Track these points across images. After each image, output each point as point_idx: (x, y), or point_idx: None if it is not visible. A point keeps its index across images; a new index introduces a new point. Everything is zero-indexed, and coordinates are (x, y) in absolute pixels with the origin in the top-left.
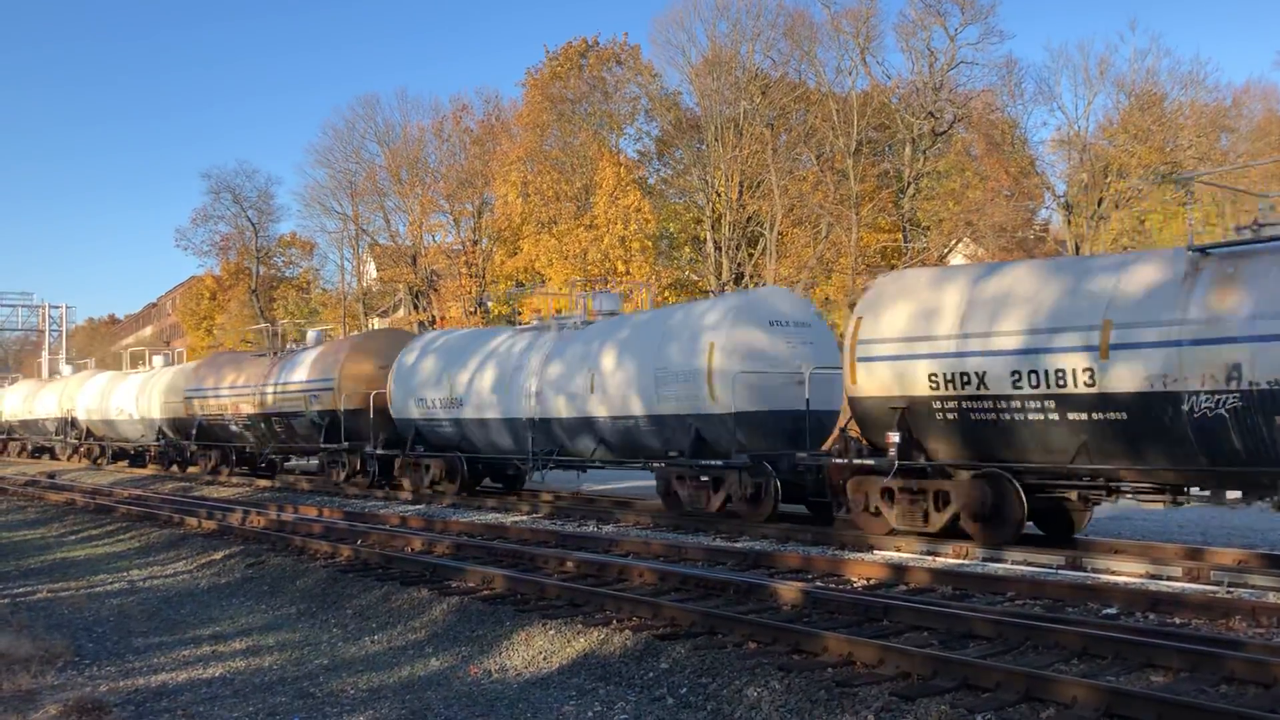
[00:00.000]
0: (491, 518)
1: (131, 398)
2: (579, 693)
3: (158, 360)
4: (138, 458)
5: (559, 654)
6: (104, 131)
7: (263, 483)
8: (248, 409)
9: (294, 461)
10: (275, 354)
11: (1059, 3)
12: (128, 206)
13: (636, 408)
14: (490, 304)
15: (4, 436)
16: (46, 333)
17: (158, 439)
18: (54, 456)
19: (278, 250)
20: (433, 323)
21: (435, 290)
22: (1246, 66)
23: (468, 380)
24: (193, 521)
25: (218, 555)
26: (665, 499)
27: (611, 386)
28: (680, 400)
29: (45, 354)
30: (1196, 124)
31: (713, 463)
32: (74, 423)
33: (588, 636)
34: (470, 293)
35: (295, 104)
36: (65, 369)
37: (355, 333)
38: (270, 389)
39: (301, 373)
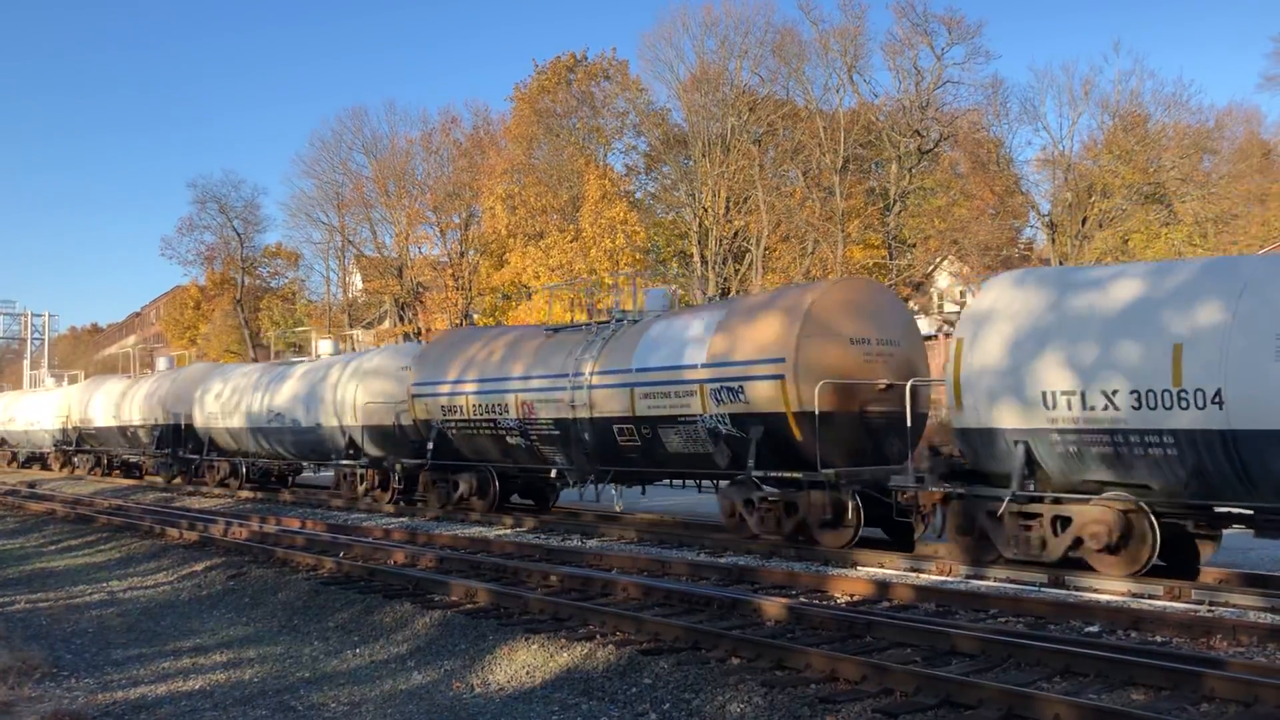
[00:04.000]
0: (475, 531)
1: (298, 398)
2: (561, 708)
3: (324, 346)
4: (281, 478)
5: (542, 669)
6: (89, 140)
7: (550, 515)
8: (550, 412)
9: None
10: (594, 326)
11: (1044, 24)
12: (112, 215)
13: None
14: (476, 317)
15: (69, 447)
16: (29, 341)
17: (349, 453)
18: (133, 474)
19: (263, 260)
20: (419, 334)
21: (421, 302)
22: (1229, 89)
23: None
24: (174, 532)
25: (199, 567)
26: None
27: None
28: None
29: (27, 362)
30: (1179, 145)
31: None
32: (184, 432)
33: (571, 651)
34: (456, 305)
35: (283, 114)
36: (161, 363)
37: (793, 284)
38: (604, 379)
39: (687, 353)
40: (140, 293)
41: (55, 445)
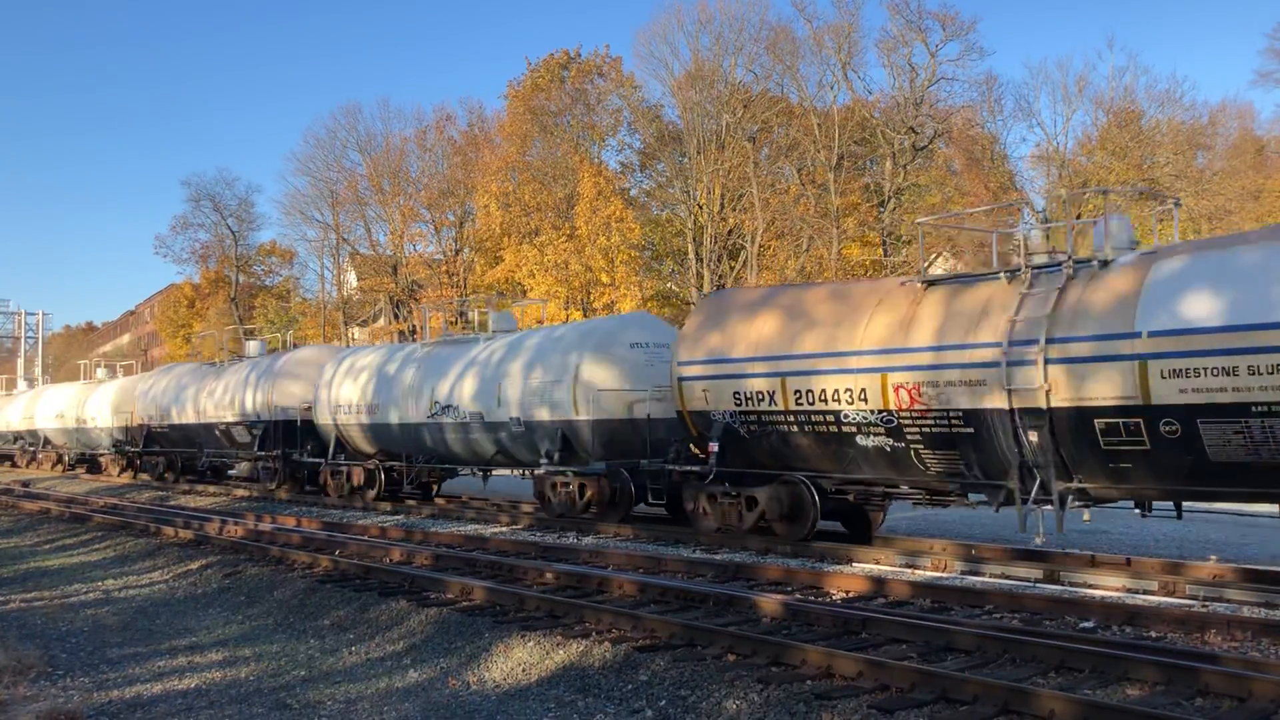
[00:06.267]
0: (471, 529)
1: (479, 386)
2: (558, 705)
3: (496, 321)
4: (425, 487)
5: (538, 666)
6: (83, 138)
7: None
8: (957, 399)
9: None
10: (1026, 274)
11: (1038, 20)
12: (106, 213)
13: None
14: (471, 314)
15: (133, 448)
16: (22, 340)
17: (561, 455)
18: (206, 479)
19: (258, 259)
20: (413, 333)
21: (416, 300)
22: (1222, 85)
23: None
24: (169, 531)
25: (194, 565)
26: None
27: None
28: None
29: (21, 361)
30: (1173, 141)
31: None
32: (300, 430)
33: (567, 649)
34: (451, 303)
35: (277, 112)
36: (252, 347)
37: None
38: (1078, 349)
39: None
40: (134, 291)
41: (114, 445)
